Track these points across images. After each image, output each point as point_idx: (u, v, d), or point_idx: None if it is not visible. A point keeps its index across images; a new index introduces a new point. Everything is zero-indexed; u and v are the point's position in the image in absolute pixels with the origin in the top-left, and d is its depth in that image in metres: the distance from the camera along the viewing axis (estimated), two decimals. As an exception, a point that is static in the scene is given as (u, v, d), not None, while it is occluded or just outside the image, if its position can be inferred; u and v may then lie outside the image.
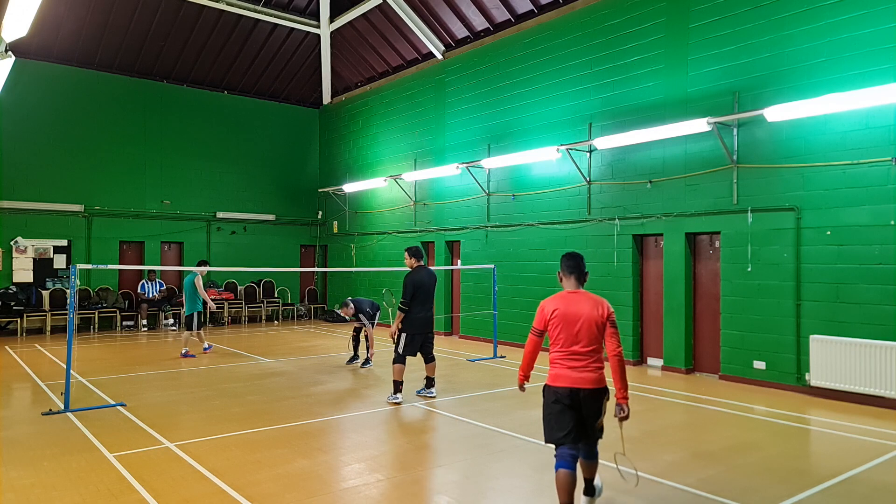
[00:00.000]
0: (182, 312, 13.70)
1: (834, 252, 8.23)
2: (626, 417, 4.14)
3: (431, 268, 8.80)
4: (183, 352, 11.43)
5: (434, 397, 8.10)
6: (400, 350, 7.89)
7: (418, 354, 8.08)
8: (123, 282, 16.48)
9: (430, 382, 8.18)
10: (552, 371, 4.23)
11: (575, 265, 4.34)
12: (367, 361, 10.62)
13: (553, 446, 4.22)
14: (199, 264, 12.18)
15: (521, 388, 4.51)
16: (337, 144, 19.09)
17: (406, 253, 8.25)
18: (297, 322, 18.04)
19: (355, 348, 10.96)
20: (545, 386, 4.27)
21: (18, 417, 7.15)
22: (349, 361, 10.83)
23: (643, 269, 10.87)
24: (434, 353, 8.19)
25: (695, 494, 4.80)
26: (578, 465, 4.23)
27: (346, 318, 11.00)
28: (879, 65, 7.84)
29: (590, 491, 4.47)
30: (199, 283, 11.59)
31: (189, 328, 11.54)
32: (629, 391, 4.23)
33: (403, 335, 7.89)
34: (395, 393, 7.88)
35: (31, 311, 14.63)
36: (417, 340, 7.92)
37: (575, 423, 4.10)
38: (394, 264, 15.46)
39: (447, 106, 14.68)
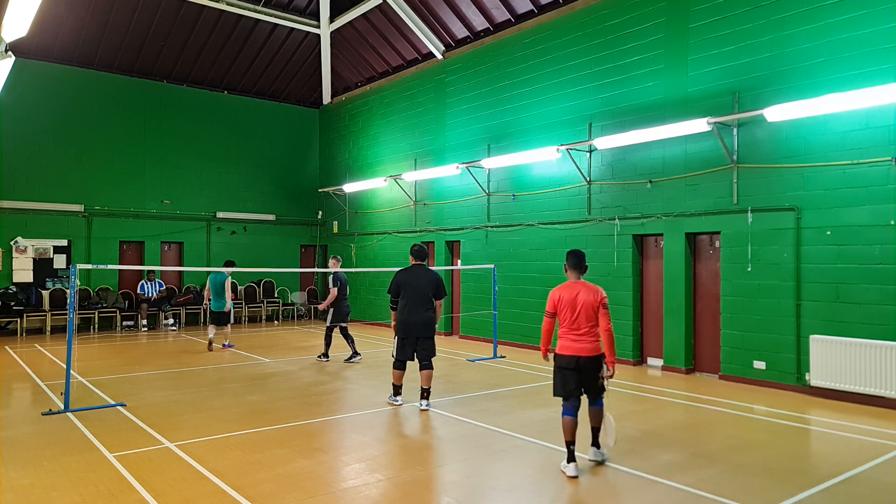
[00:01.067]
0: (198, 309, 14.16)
1: (834, 252, 8.23)
2: (612, 376, 5.41)
3: (434, 267, 8.76)
4: (226, 343, 12.64)
5: (426, 411, 7.40)
6: (393, 353, 7.68)
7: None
8: (123, 282, 16.48)
9: (422, 393, 7.50)
10: (560, 343, 5.40)
11: (577, 261, 5.51)
12: (324, 355, 10.97)
13: (561, 399, 5.44)
14: (226, 264, 12.75)
15: (545, 356, 5.63)
16: (337, 144, 19.09)
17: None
18: (297, 322, 18.04)
19: (351, 345, 11.03)
20: (555, 354, 5.45)
21: (18, 417, 7.15)
22: (348, 359, 10.86)
23: (643, 269, 10.87)
24: (432, 361, 7.54)
25: (695, 494, 4.80)
26: (587, 413, 5.49)
27: (330, 270, 11.17)
28: (879, 65, 7.84)
29: (596, 442, 5.47)
30: (229, 283, 12.47)
31: (226, 322, 12.50)
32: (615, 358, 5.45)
33: (396, 339, 7.62)
34: (394, 395, 7.75)
35: (31, 311, 14.63)
36: (407, 345, 7.50)
37: (576, 382, 5.33)
38: (394, 264, 15.43)
39: (447, 106, 14.68)
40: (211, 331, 12.31)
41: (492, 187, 13.37)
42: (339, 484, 5.07)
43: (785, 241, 8.72)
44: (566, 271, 5.55)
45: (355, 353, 10.94)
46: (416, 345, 7.50)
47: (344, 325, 11.04)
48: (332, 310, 10.96)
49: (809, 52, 8.51)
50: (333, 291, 10.85)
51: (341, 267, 11.38)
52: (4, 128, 14.75)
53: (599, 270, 10.91)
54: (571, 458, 5.21)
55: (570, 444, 5.24)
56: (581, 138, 11.35)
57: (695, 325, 10.07)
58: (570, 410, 5.31)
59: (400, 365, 7.64)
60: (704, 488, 4.91)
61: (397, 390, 7.74)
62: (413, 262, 7.77)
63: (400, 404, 7.66)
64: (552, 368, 5.49)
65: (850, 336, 7.97)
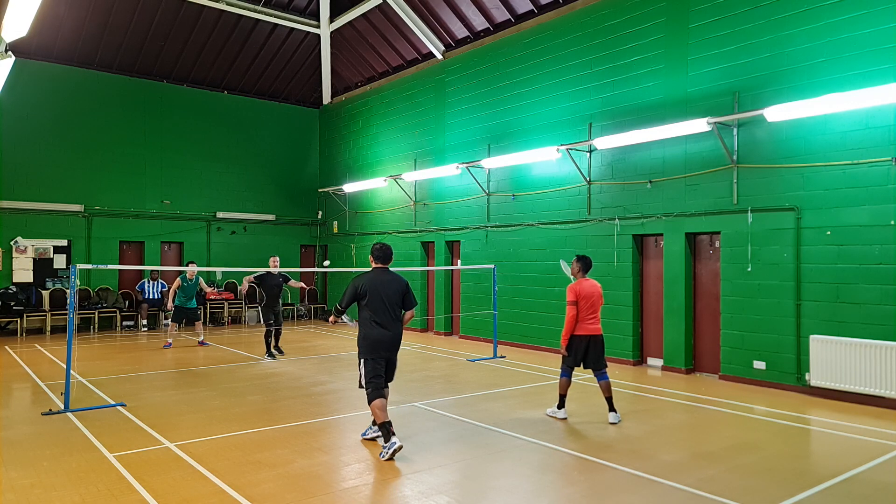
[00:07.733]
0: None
1: (834, 252, 8.23)
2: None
3: (433, 267, 8.62)
4: (201, 340, 13.29)
5: (391, 459, 5.63)
6: (363, 382, 6.04)
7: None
8: (123, 282, 16.48)
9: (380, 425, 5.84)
10: (579, 325, 6.96)
11: (590, 264, 7.25)
12: (278, 350, 11.56)
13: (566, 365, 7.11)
14: (190, 264, 13.12)
15: (565, 350, 7.10)
16: (337, 144, 19.09)
17: None
18: (297, 322, 18.04)
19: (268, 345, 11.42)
20: (573, 335, 6.97)
21: (18, 417, 7.15)
22: (269, 356, 11.25)
23: (643, 269, 10.87)
24: (388, 385, 6.22)
25: (695, 494, 4.80)
26: (599, 386, 7.05)
27: (271, 267, 11.74)
28: (879, 65, 7.84)
29: (612, 407, 6.93)
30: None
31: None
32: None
33: (362, 361, 6.06)
34: (385, 440, 5.71)
35: (31, 311, 14.63)
36: (379, 366, 6.00)
37: (585, 354, 6.99)
38: (394, 264, 15.41)
39: (447, 106, 14.68)
40: (174, 328, 13.08)
41: (492, 187, 13.36)
42: (339, 484, 5.07)
43: (785, 241, 8.72)
44: (578, 272, 7.17)
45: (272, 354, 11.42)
46: (385, 365, 6.12)
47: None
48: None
49: (809, 52, 8.51)
50: (244, 284, 11.86)
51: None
52: (4, 128, 14.74)
53: (599, 270, 10.87)
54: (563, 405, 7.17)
55: (563, 396, 7.10)
56: (581, 138, 11.35)
57: (695, 325, 10.07)
58: (568, 374, 7.10)
59: (378, 393, 5.94)
60: (704, 488, 4.91)
61: (388, 430, 5.73)
62: (375, 266, 6.28)
63: (400, 446, 5.66)
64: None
65: (849, 336, 7.97)
